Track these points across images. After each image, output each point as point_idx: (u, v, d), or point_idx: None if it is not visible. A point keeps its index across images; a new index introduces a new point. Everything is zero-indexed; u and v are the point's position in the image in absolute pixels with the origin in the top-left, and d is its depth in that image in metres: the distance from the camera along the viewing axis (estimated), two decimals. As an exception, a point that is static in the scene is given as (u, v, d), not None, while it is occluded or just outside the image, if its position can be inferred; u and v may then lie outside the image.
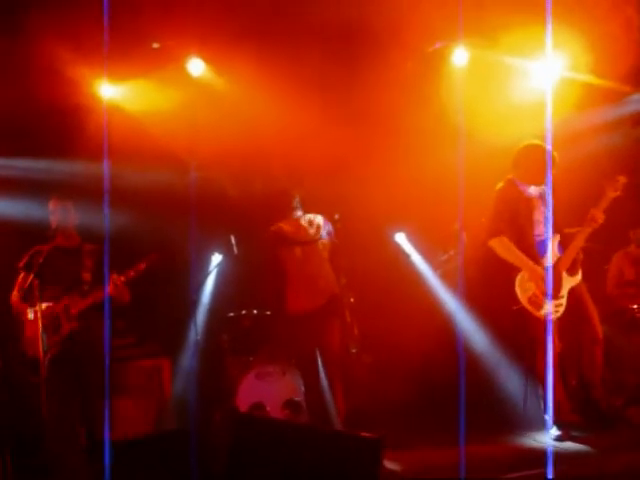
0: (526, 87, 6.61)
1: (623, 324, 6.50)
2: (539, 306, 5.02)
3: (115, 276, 4.99)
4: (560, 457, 4.48)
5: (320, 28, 6.20)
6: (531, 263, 5.04)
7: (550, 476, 2.88)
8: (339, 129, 6.76)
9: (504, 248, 5.06)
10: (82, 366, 4.96)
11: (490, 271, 5.58)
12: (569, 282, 5.09)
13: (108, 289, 4.95)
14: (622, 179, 5.18)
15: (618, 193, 5.16)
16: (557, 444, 4.89)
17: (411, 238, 7.52)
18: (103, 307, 4.98)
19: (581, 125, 6.88)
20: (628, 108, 7.18)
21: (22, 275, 5.12)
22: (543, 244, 5.14)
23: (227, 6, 5.80)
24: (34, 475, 4.98)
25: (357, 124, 7.16)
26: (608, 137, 7.20)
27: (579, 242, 5.17)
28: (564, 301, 5.06)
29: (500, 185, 5.22)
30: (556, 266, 5.08)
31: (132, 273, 5.03)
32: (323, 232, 5.64)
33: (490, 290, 6.15)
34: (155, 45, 6.34)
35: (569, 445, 4.87)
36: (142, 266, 5.06)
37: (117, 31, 5.38)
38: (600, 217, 5.13)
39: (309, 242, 5.52)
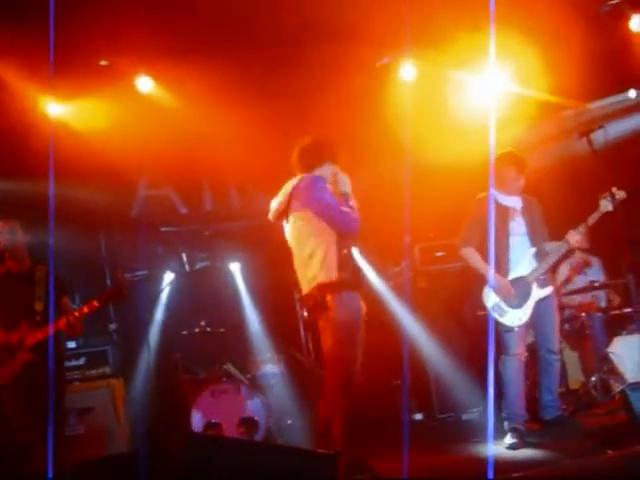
0: (472, 102, 6.70)
1: (573, 332, 6.61)
2: (501, 313, 5.15)
3: (69, 313, 4.92)
4: (514, 464, 4.54)
5: (269, 42, 6.22)
6: (491, 273, 5.13)
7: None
8: (288, 142, 6.76)
9: (470, 258, 5.29)
10: (35, 393, 4.85)
11: (466, 279, 5.92)
12: (537, 294, 5.18)
13: (60, 323, 4.88)
14: (621, 194, 5.02)
15: (610, 209, 5.04)
16: (512, 452, 4.93)
17: (363, 251, 7.54)
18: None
19: (528, 139, 7.00)
20: (574, 120, 7.35)
21: None
22: (517, 255, 5.21)
23: (174, 23, 5.77)
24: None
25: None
26: (555, 150, 7.35)
27: (553, 257, 5.22)
28: (529, 310, 5.15)
29: (480, 195, 5.29)
30: (526, 277, 5.16)
31: (86, 309, 4.94)
32: None
33: (464, 297, 6.43)
34: (103, 62, 6.27)
35: (523, 452, 4.90)
36: (96, 304, 4.95)
37: (64, 48, 5.25)
38: (578, 241, 5.13)
39: None
